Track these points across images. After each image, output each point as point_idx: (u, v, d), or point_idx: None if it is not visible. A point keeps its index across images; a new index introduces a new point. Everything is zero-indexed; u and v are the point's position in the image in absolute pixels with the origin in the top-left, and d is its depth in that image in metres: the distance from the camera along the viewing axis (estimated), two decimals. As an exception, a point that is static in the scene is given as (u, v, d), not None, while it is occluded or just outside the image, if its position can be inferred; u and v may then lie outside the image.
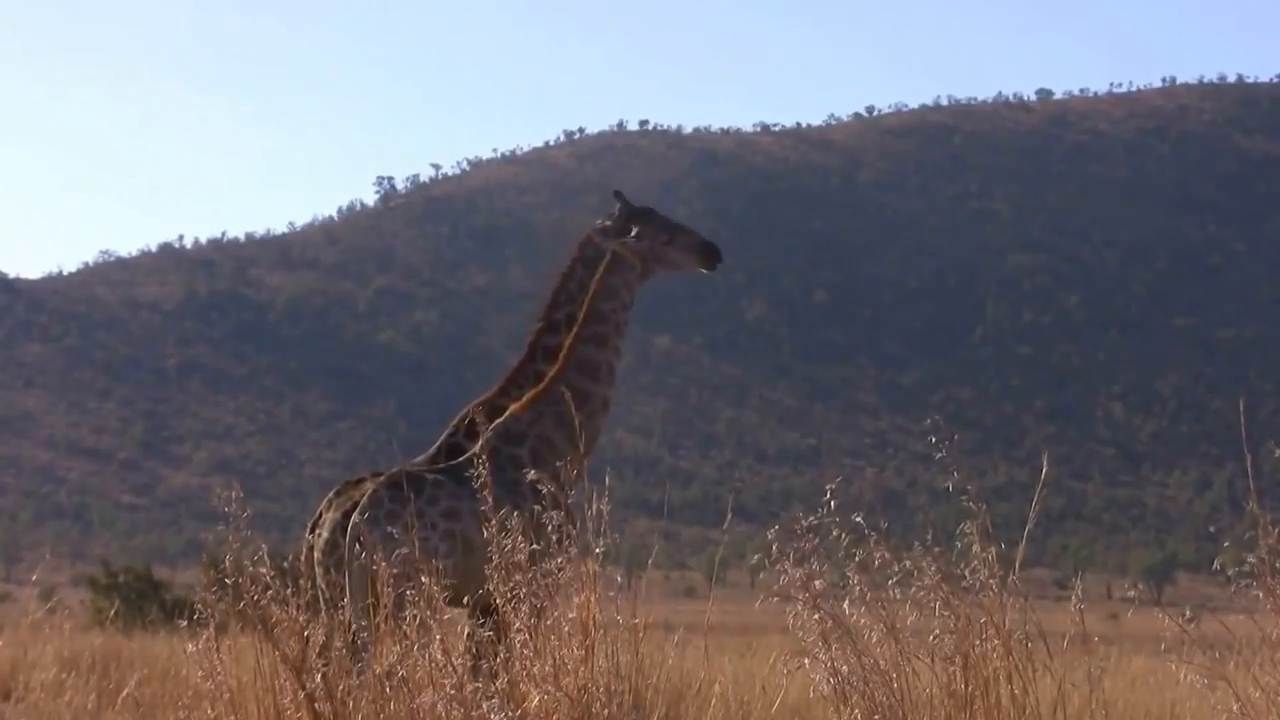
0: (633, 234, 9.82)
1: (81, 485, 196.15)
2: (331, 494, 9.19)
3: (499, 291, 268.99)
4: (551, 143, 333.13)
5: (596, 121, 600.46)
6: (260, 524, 8.05)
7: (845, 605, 7.14)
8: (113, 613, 23.75)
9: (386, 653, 7.45)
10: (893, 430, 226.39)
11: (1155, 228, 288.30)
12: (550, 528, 7.47)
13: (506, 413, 9.37)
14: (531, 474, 7.81)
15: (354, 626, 8.21)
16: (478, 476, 7.78)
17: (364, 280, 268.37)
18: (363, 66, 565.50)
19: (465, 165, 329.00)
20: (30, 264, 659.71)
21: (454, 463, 9.19)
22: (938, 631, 7.07)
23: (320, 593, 8.75)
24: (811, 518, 7.12)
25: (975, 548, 7.07)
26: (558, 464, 8.41)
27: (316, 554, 8.93)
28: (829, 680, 7.09)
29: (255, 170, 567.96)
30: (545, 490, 7.67)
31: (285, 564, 8.09)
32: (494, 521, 7.48)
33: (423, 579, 7.47)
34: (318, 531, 9.01)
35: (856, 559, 7.15)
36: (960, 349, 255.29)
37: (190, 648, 7.99)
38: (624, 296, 9.73)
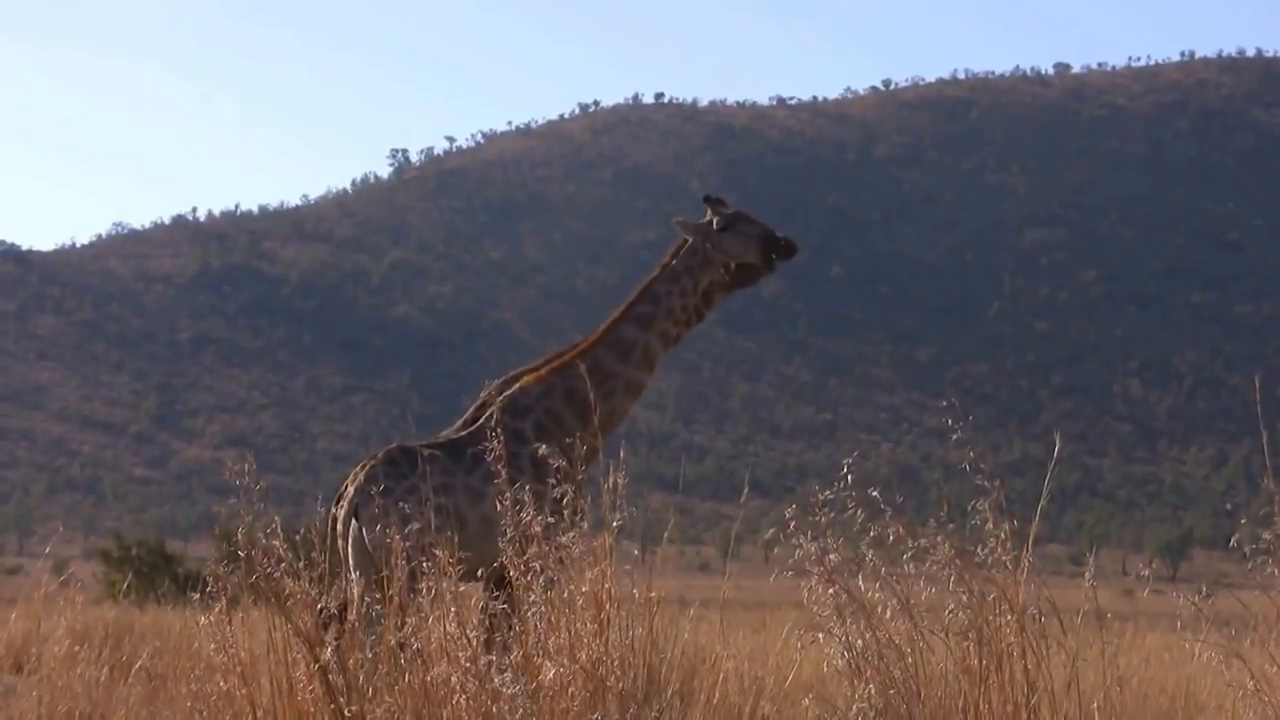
0: (705, 218, 9.53)
1: (94, 458, 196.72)
2: (358, 468, 9.19)
3: (513, 265, 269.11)
4: (566, 115, 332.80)
5: (612, 94, 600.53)
6: (273, 497, 8.03)
7: (859, 581, 7.13)
8: (125, 586, 23.88)
9: (397, 626, 7.46)
10: (908, 405, 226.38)
11: (1173, 203, 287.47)
12: (562, 502, 7.45)
13: (517, 385, 9.29)
14: (543, 450, 7.74)
15: (366, 600, 8.22)
16: (489, 450, 7.75)
17: (378, 253, 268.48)
18: (377, 39, 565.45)
19: (480, 138, 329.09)
20: (43, 236, 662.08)
21: (455, 437, 9.13)
22: (952, 607, 7.06)
23: (344, 565, 8.79)
24: (828, 492, 7.10)
25: (989, 525, 7.05)
26: (566, 440, 8.29)
27: (340, 527, 8.94)
28: (843, 655, 7.09)
29: (269, 142, 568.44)
30: (556, 465, 7.60)
31: (298, 537, 8.09)
32: (488, 496, 7.42)
33: (436, 552, 7.48)
34: (341, 504, 9.01)
35: (871, 534, 7.14)
36: (977, 324, 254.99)
37: (203, 621, 7.99)
38: (684, 282, 9.39)
